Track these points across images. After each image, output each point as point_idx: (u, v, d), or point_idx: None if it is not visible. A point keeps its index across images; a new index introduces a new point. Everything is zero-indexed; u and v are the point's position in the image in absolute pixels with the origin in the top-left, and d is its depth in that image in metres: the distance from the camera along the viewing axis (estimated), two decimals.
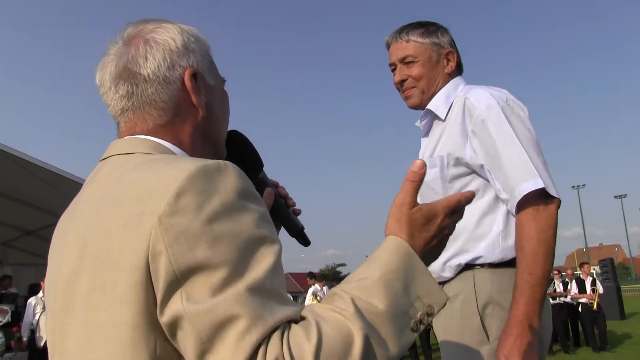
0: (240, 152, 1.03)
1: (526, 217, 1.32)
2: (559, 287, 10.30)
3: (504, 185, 1.37)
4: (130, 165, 0.73)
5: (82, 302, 0.67)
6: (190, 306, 0.58)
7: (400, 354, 0.65)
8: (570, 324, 10.38)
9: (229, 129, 0.98)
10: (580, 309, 10.09)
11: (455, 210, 0.76)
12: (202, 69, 0.87)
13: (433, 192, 1.51)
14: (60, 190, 7.85)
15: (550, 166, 1.40)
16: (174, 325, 0.60)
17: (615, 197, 44.96)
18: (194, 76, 0.84)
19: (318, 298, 8.94)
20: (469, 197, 0.78)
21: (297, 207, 1.10)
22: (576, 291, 10.19)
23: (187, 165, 0.65)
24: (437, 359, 8.66)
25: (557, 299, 10.03)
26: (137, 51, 0.82)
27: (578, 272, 11.03)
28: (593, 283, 10.17)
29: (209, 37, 0.93)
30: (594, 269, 16.91)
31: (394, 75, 1.62)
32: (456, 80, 1.60)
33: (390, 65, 1.63)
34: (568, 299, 10.22)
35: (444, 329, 1.47)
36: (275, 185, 1.10)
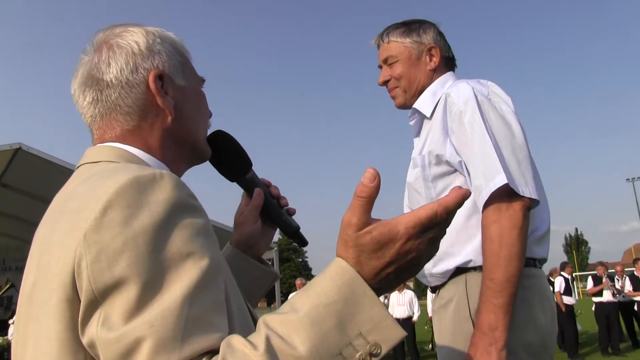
0: (225, 153, 1.02)
1: (488, 218, 1.25)
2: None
3: (473, 184, 1.31)
4: (87, 176, 0.74)
5: (35, 314, 0.68)
6: (102, 333, 0.58)
7: None
8: (625, 324, 9.80)
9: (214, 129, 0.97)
10: (636, 307, 9.51)
11: (429, 227, 0.59)
12: (169, 70, 0.85)
13: (416, 193, 1.47)
14: None
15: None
16: (92, 348, 0.60)
17: None
18: (160, 78, 0.83)
19: None
20: (451, 203, 0.59)
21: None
22: (630, 289, 9.61)
23: (120, 177, 0.64)
24: None
25: (616, 296, 9.48)
26: (101, 57, 0.83)
27: (632, 268, 10.33)
28: None
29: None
30: None
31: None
32: (445, 76, 1.55)
33: (379, 67, 1.63)
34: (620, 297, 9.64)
35: (439, 336, 1.43)
36: (267, 185, 1.08)
